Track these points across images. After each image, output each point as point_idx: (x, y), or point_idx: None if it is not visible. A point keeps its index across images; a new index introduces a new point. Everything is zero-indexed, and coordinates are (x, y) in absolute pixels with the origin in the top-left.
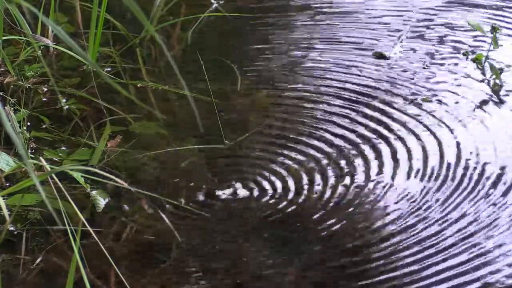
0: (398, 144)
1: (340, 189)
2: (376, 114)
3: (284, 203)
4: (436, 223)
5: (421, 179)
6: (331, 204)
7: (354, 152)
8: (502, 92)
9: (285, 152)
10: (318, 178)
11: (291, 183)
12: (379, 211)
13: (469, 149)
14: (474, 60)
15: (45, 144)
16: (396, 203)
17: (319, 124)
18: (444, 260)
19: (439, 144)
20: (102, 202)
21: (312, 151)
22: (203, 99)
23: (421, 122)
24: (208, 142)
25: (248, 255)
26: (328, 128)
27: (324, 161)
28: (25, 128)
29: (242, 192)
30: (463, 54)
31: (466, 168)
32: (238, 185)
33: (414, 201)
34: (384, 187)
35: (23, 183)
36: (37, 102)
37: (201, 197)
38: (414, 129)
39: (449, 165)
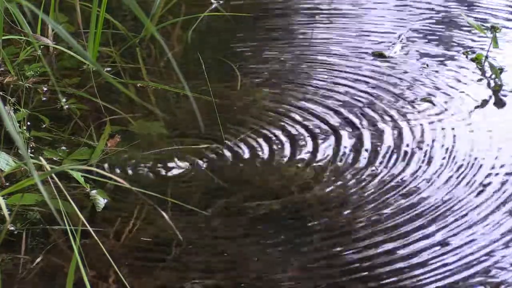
0: (396, 145)
1: (338, 189)
2: (376, 114)
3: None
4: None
5: (422, 179)
6: (330, 201)
7: (352, 150)
8: (502, 92)
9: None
10: (316, 178)
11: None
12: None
13: (469, 149)
14: (474, 60)
15: (45, 144)
16: (393, 200)
17: (319, 123)
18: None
19: (438, 143)
20: (102, 202)
21: (309, 149)
22: (203, 99)
23: (420, 122)
24: (208, 141)
25: (249, 254)
26: (328, 124)
27: (323, 160)
28: (25, 127)
29: None
30: (463, 54)
31: (465, 168)
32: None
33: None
34: (382, 183)
35: (23, 183)
36: (37, 101)
37: (200, 196)
38: (413, 129)
39: (448, 164)
